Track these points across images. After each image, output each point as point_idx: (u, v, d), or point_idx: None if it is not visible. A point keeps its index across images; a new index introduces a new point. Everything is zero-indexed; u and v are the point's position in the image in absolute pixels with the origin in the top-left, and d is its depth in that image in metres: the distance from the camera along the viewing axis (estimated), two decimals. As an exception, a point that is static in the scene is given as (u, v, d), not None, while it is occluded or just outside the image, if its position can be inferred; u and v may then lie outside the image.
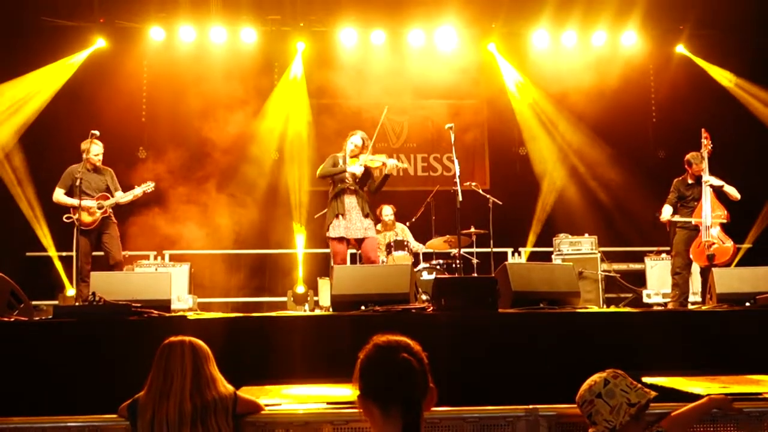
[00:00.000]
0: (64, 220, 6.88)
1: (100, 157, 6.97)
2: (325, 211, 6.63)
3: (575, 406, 2.63)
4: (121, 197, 7.02)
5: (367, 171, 6.48)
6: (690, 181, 7.20)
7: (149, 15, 9.74)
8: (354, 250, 7.23)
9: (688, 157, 7.20)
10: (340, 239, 6.36)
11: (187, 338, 2.93)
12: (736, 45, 9.95)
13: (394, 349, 1.91)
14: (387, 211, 8.57)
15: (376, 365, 1.90)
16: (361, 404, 1.91)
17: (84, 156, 6.84)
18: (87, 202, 6.73)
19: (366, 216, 6.40)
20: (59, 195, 6.90)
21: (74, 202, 6.70)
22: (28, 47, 9.29)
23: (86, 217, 6.75)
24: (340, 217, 6.31)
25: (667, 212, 7.23)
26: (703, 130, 7.07)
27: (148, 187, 7.18)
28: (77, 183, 6.62)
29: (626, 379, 2.56)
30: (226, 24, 9.91)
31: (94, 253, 7.01)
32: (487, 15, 10.10)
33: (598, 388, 2.53)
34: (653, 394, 2.54)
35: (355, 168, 6.35)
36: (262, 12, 9.92)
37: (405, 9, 9.96)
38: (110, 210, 6.94)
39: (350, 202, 6.37)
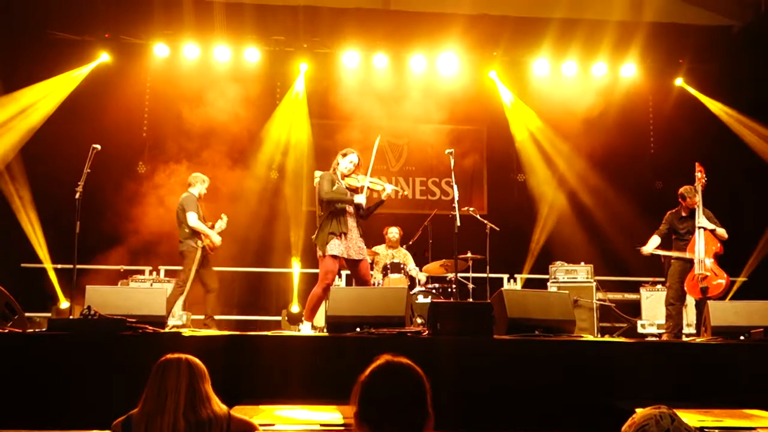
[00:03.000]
0: (197, 245, 7.14)
1: None
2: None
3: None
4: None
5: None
6: (683, 215, 7.25)
7: (154, 32, 9.79)
8: (344, 271, 7.11)
9: (681, 190, 7.24)
10: (336, 258, 6.07)
11: (184, 356, 2.89)
12: (735, 79, 10.04)
13: (394, 372, 1.89)
14: (393, 231, 8.67)
15: (374, 388, 1.88)
16: (356, 426, 1.89)
17: (201, 185, 7.41)
18: (215, 235, 7.26)
19: (361, 236, 6.25)
20: (197, 220, 7.17)
21: (208, 230, 7.21)
22: (33, 59, 9.31)
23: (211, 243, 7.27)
24: (343, 236, 6.06)
25: (652, 244, 7.29)
26: (697, 164, 7.11)
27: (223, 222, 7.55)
28: (200, 211, 7.25)
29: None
30: (230, 43, 9.97)
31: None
32: (489, 43, 10.19)
33: (666, 424, 2.41)
34: None
35: (362, 198, 6.15)
36: (266, 32, 9.98)
37: (407, 34, 10.06)
38: None
39: (351, 222, 6.15)
